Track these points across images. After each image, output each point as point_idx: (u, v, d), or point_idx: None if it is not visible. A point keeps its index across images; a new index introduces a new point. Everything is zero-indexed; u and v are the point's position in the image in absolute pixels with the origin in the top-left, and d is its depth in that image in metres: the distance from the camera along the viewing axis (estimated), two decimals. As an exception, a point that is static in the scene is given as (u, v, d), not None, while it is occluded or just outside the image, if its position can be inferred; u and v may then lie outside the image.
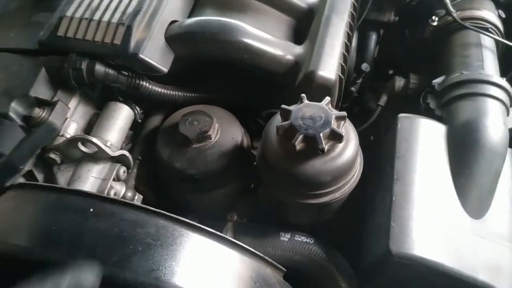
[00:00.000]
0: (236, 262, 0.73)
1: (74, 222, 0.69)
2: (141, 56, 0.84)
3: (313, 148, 0.73)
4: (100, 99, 0.96)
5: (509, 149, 0.88)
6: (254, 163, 0.88)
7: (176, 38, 0.90)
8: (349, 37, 0.97)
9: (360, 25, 1.17)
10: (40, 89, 0.84)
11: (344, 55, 0.93)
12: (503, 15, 1.08)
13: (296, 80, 0.91)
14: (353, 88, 1.14)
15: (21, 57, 0.88)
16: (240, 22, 0.91)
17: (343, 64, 0.92)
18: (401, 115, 0.88)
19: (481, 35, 0.99)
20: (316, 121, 0.74)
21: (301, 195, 0.79)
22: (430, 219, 0.78)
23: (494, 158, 0.84)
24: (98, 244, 0.67)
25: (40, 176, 0.83)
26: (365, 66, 1.11)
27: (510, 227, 0.82)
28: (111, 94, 0.95)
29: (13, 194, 0.75)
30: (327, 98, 0.78)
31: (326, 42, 0.91)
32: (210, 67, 0.97)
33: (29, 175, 0.82)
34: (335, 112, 0.76)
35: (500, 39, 1.01)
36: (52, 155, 0.80)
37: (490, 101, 0.88)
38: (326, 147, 0.73)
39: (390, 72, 1.24)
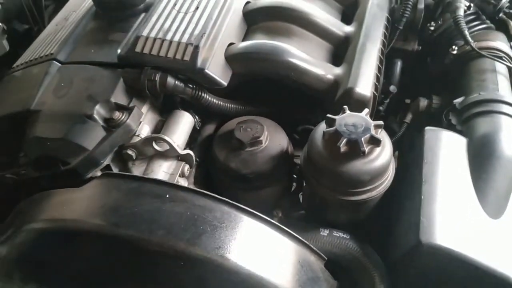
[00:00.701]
0: (287, 247, 0.85)
1: (154, 205, 0.82)
2: (207, 71, 0.99)
3: (355, 151, 0.87)
4: (161, 108, 1.10)
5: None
6: (298, 167, 1.01)
7: (234, 57, 1.05)
8: (381, 61, 1.12)
9: (388, 52, 1.33)
10: (119, 96, 0.98)
11: (377, 76, 1.08)
12: (514, 47, 1.23)
13: (334, 96, 1.05)
14: (381, 108, 1.28)
15: (102, 69, 1.02)
16: (288, 45, 1.06)
17: (376, 83, 1.07)
18: (427, 128, 1.01)
19: (496, 62, 1.13)
20: (357, 128, 0.88)
21: (343, 193, 0.92)
22: (455, 216, 0.89)
23: (508, 166, 0.96)
24: (174, 224, 0.79)
25: (116, 170, 0.96)
26: (392, 88, 1.25)
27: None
28: (171, 104, 1.09)
29: (99, 182, 0.88)
30: (366, 110, 0.92)
31: (362, 64, 1.06)
32: (259, 84, 1.11)
33: (107, 168, 0.96)
34: (373, 121, 0.89)
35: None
36: (130, 152, 0.94)
37: (504, 118, 1.01)
38: (366, 150, 0.87)
39: (407, 101, 1.37)
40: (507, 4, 1.24)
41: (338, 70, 1.08)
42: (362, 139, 0.86)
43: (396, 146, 1.23)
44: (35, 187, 0.91)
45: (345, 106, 0.92)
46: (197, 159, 1.06)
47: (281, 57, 1.03)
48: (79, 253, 0.82)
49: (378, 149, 0.90)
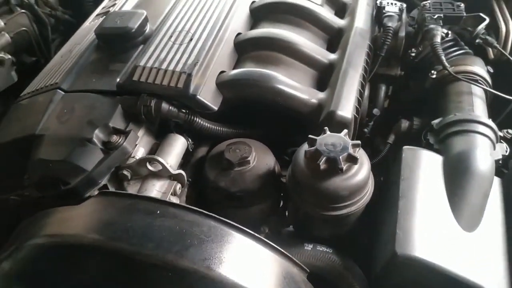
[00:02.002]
0: (270, 259, 0.90)
1: (146, 220, 0.88)
2: (198, 97, 1.07)
3: (334, 168, 0.93)
4: (157, 132, 1.18)
5: (495, 177, 1.06)
6: (284, 184, 1.07)
7: (225, 84, 1.13)
8: (362, 86, 1.19)
9: (372, 78, 1.41)
10: (117, 121, 1.06)
11: (358, 99, 1.15)
12: (491, 70, 1.30)
13: (318, 119, 1.12)
14: (365, 130, 1.35)
15: (102, 96, 1.11)
16: (275, 73, 1.14)
17: (357, 106, 1.14)
18: (405, 147, 1.08)
19: (472, 85, 1.20)
20: (336, 147, 0.95)
21: (324, 208, 0.97)
22: (430, 229, 0.95)
23: (482, 182, 1.02)
24: (163, 237, 0.86)
25: (112, 189, 1.03)
26: (376, 111, 1.32)
27: (496, 241, 0.98)
28: (166, 128, 1.17)
29: (96, 200, 0.94)
30: (345, 131, 0.99)
31: (344, 88, 1.14)
32: (249, 108, 1.18)
33: (104, 188, 1.03)
34: (351, 141, 0.96)
35: (488, 88, 1.21)
36: (125, 172, 1.01)
37: (478, 137, 1.08)
38: (344, 167, 0.93)
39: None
40: (483, 31, 1.31)
41: (321, 95, 1.15)
42: (340, 157, 0.93)
43: (380, 165, 1.30)
44: (38, 207, 0.98)
45: (326, 128, 0.99)
46: (189, 179, 1.13)
47: (268, 83, 1.11)
48: (77, 266, 0.88)
49: (356, 167, 0.96)
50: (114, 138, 1.02)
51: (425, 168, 1.04)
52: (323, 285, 1.01)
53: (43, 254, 0.90)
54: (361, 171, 0.97)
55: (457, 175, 1.03)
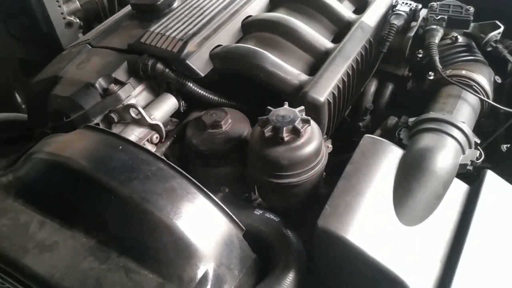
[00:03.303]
0: (206, 207, 0.99)
1: (108, 151, 1.03)
2: (187, 61, 1.20)
3: (277, 137, 1.00)
4: (157, 90, 1.33)
5: (461, 184, 1.03)
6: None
7: (216, 55, 1.25)
8: (348, 76, 1.23)
9: (380, 76, 1.42)
10: (120, 74, 1.24)
11: (338, 87, 1.19)
12: (499, 81, 1.24)
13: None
14: (360, 124, 1.37)
15: (116, 53, 1.30)
16: (263, 51, 1.23)
17: (335, 93, 1.18)
18: (366, 135, 1.10)
19: (464, 91, 1.17)
20: (285, 119, 1.01)
21: (268, 174, 1.05)
22: (361, 212, 0.97)
23: (433, 181, 1.00)
24: (116, 167, 0.99)
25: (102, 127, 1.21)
26: (369, 105, 1.34)
27: (436, 243, 0.96)
28: (169, 90, 1.33)
29: (79, 131, 1.12)
30: (301, 107, 1.05)
31: (325, 74, 1.19)
32: (241, 84, 1.29)
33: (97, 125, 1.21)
34: (301, 116, 1.02)
35: (480, 96, 1.17)
36: (113, 115, 1.18)
37: (445, 137, 1.06)
38: (286, 138, 1.00)
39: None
40: (495, 38, 1.26)
41: (305, 77, 1.21)
42: (284, 128, 0.99)
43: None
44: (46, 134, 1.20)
45: (285, 102, 1.07)
46: (175, 135, 1.27)
47: (252, 59, 1.21)
48: (60, 179, 1.05)
49: (301, 140, 1.02)
50: (112, 86, 1.20)
51: (379, 157, 1.05)
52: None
53: (41, 166, 1.10)
54: (307, 146, 1.02)
55: (409, 170, 1.03)
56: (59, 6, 1.72)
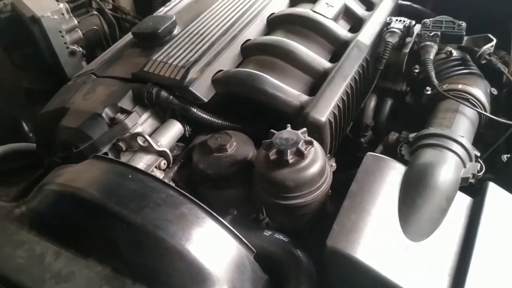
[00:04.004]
0: (218, 233, 1.01)
1: (116, 180, 1.06)
2: (190, 88, 1.24)
3: (281, 160, 1.03)
4: (162, 117, 1.37)
5: (464, 197, 1.05)
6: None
7: (218, 80, 1.29)
8: (347, 95, 1.26)
9: (379, 91, 1.46)
10: (125, 103, 1.27)
11: (339, 106, 1.23)
12: (495, 92, 1.27)
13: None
14: (362, 140, 1.40)
15: (120, 82, 1.34)
16: (263, 74, 1.26)
17: (335, 113, 1.21)
18: (369, 153, 1.12)
19: (461, 104, 1.20)
20: (288, 141, 1.04)
21: (274, 196, 1.07)
22: (368, 230, 0.99)
23: (437, 196, 1.03)
24: (126, 195, 1.02)
25: (111, 157, 1.24)
26: (369, 122, 1.37)
27: (444, 257, 0.98)
28: (174, 116, 1.36)
29: (89, 161, 1.15)
30: (304, 129, 1.08)
31: (325, 94, 1.23)
32: (241, 107, 1.32)
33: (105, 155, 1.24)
34: (305, 138, 1.05)
35: (478, 110, 1.20)
36: (121, 143, 1.22)
37: (446, 152, 1.08)
38: (291, 160, 1.03)
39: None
40: (488, 51, 1.29)
41: (305, 98, 1.25)
42: (288, 150, 1.02)
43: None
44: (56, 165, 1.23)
45: (288, 124, 1.10)
46: (182, 160, 1.30)
47: (253, 83, 1.25)
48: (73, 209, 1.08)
49: (305, 162, 1.05)
50: (118, 115, 1.24)
51: (383, 175, 1.08)
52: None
53: (54, 198, 1.12)
54: (312, 167, 1.05)
55: (412, 185, 1.05)
56: (62, 37, 1.76)
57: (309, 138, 1.05)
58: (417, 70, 1.38)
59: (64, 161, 1.24)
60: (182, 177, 1.31)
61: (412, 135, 1.18)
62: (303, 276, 1.08)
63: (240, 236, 1.05)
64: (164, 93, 1.26)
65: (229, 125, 1.33)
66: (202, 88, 1.27)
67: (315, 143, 1.07)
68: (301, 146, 1.03)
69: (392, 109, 1.46)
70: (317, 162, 1.06)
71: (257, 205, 1.24)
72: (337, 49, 1.44)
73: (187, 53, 1.33)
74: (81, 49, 1.85)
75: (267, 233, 1.15)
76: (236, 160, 1.20)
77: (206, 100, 1.27)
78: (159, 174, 1.22)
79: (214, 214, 1.03)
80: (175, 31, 1.48)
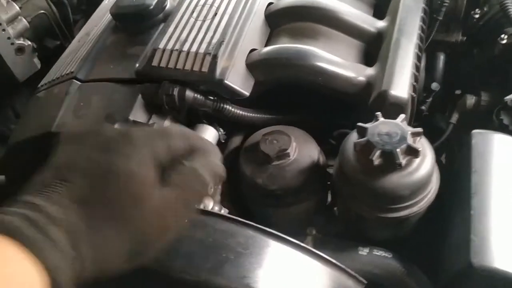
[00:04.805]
0: (320, 273, 0.77)
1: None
2: (226, 82, 0.93)
3: (390, 163, 0.78)
4: (185, 122, 1.05)
5: None
6: (331, 180, 0.93)
7: (255, 65, 0.98)
8: (418, 58, 1.01)
9: (428, 46, 1.21)
10: (138, 114, 0.94)
11: (414, 75, 0.97)
12: None
13: (368, 100, 0.96)
14: (423, 107, 1.17)
15: (121, 86, 0.99)
16: (313, 48, 0.97)
17: (414, 83, 0.96)
18: (475, 131, 0.90)
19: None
20: (392, 137, 0.79)
21: (380, 209, 0.83)
22: (509, 233, 0.78)
23: None
24: (195, 252, 0.74)
25: (137, 191, 0.92)
26: (435, 86, 1.13)
27: None
28: (195, 117, 1.04)
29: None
30: (402, 116, 0.83)
31: (397, 63, 0.96)
32: (285, 91, 1.04)
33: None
34: (410, 129, 0.80)
35: None
36: (149, 172, 0.90)
37: None
38: (403, 162, 0.77)
39: (458, 92, 1.25)
40: None
41: (370, 71, 0.98)
42: (398, 150, 0.77)
43: (442, 148, 1.13)
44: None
45: (378, 113, 0.83)
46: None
47: (306, 61, 0.95)
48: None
49: (417, 160, 0.80)
50: (135, 133, 0.90)
51: (500, 156, 0.86)
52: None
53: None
54: (424, 165, 0.81)
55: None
56: (3, 30, 1.33)
57: (417, 129, 0.80)
58: (477, 15, 1.15)
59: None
60: (225, 196, 1.02)
61: (510, 97, 0.96)
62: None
63: (348, 270, 0.80)
64: (189, 93, 0.94)
65: (272, 117, 1.04)
66: (239, 79, 0.96)
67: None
68: (411, 141, 0.78)
69: (445, 66, 1.23)
70: (427, 156, 0.82)
71: (334, 218, 0.99)
72: (378, 1, 1.17)
73: (202, 34, 1.00)
74: (29, 42, 1.43)
75: (364, 251, 0.91)
76: (303, 167, 0.93)
77: (247, 94, 0.96)
78: (207, 202, 0.92)
79: (313, 250, 0.78)
80: (167, 5, 1.13)
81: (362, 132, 0.81)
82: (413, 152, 0.78)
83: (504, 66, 1.08)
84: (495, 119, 0.97)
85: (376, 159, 0.78)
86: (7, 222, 0.43)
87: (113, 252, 0.50)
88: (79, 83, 1.04)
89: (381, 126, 0.80)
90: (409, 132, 0.79)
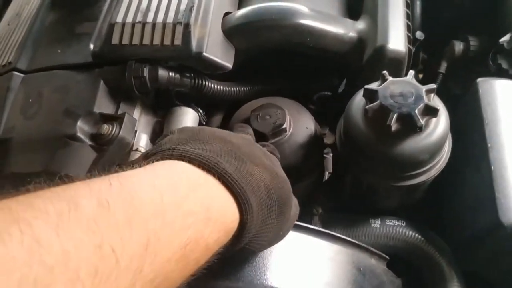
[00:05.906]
0: (343, 256, 0.70)
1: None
2: (205, 54, 0.79)
3: (409, 127, 0.70)
4: (153, 105, 0.91)
5: None
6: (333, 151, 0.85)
7: (234, 31, 0.85)
8: (407, 5, 0.92)
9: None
10: (103, 104, 0.79)
11: (408, 25, 0.89)
12: None
13: (361, 58, 0.87)
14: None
15: (76, 72, 0.82)
16: (297, 5, 0.86)
17: (409, 34, 0.88)
18: (480, 79, 0.84)
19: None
20: (407, 98, 0.70)
21: (397, 178, 0.75)
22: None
23: None
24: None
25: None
26: (419, 34, 1.05)
27: None
28: (167, 99, 0.90)
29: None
30: (412, 72, 0.75)
31: (389, 14, 0.87)
32: (265, 57, 0.92)
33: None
34: (424, 86, 0.72)
35: None
36: (129, 172, 0.76)
37: None
38: (424, 123, 0.70)
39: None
40: None
41: (360, 25, 0.88)
42: (416, 111, 0.69)
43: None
44: None
45: (384, 72, 0.74)
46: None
47: (291, 20, 0.83)
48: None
49: (434, 120, 0.73)
50: (105, 128, 0.76)
51: (510, 104, 0.81)
52: (400, 266, 0.82)
53: None
54: (440, 124, 0.73)
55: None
56: None
57: (430, 85, 0.72)
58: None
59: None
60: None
61: (505, 39, 0.91)
62: (445, 262, 0.82)
63: (370, 248, 0.73)
64: (163, 72, 0.80)
65: (254, 89, 0.92)
66: (218, 49, 0.82)
67: (433, 86, 0.75)
68: (428, 99, 0.70)
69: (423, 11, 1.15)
70: (442, 114, 0.75)
71: (336, 193, 0.91)
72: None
73: (166, 0, 0.84)
74: None
75: (376, 223, 0.85)
76: (300, 141, 0.83)
77: (230, 66, 0.83)
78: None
79: (334, 234, 0.70)
80: (111, -28, 0.95)
81: (371, 95, 0.72)
82: (431, 112, 0.70)
83: (491, 5, 1.02)
84: (492, 63, 0.91)
85: (393, 124, 0.69)
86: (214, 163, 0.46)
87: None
88: (21, 75, 0.85)
89: (392, 87, 0.72)
90: (424, 90, 0.71)
